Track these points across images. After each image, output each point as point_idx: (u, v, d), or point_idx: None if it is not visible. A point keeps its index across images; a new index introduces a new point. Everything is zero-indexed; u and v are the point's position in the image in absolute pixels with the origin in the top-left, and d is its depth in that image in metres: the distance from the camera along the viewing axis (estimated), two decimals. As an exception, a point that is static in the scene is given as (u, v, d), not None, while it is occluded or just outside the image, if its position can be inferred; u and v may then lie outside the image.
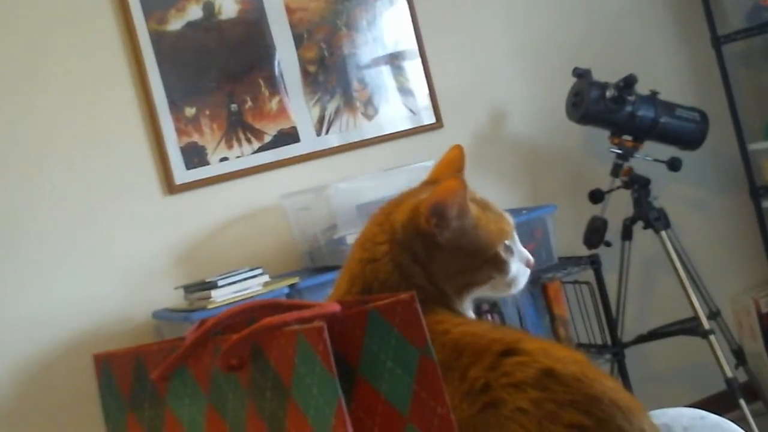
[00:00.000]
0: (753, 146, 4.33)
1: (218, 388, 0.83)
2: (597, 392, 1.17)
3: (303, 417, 0.76)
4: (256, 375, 0.79)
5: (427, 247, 1.37)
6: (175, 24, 3.53)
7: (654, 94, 3.91)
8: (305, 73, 3.74)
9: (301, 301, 0.82)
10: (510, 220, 1.48)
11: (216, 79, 3.59)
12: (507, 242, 1.44)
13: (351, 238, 3.32)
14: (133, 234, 3.44)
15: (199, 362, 0.84)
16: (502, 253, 1.42)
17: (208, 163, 3.55)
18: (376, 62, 3.88)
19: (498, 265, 1.42)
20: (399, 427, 0.78)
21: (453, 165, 1.61)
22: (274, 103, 3.67)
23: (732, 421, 1.72)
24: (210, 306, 3.09)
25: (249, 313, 0.83)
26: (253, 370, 0.80)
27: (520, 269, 1.45)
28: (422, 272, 1.38)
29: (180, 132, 3.50)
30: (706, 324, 3.77)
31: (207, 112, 3.55)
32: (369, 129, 3.82)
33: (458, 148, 1.63)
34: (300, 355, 0.75)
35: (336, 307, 0.79)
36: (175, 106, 3.50)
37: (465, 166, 1.60)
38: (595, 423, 1.13)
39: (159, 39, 3.50)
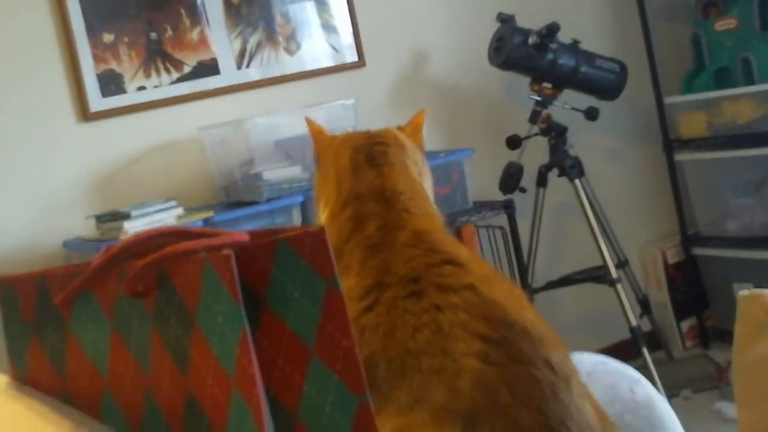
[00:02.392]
0: (669, 100, 4.40)
1: (123, 314, 0.82)
2: (511, 317, 1.27)
3: (207, 345, 0.75)
4: (161, 302, 0.79)
5: None
6: (95, -53, 3.44)
7: (575, 43, 3.94)
8: (228, 5, 3.68)
9: (210, 229, 0.81)
10: None
11: (136, 6, 3.52)
12: None
13: (268, 174, 3.31)
14: (46, 161, 3.37)
15: (104, 287, 0.83)
16: None
17: (125, 92, 3.49)
18: (301, -3, 3.84)
19: None
20: (303, 357, 0.78)
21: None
22: (194, 34, 3.61)
23: (634, 368, 1.76)
24: (122, 236, 3.05)
25: (157, 239, 0.82)
26: (159, 296, 0.79)
27: None
28: None
29: (97, 58, 3.43)
30: (614, 273, 3.84)
31: (126, 39, 3.49)
32: (290, 64, 3.78)
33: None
34: (206, 282, 0.75)
35: (245, 237, 0.79)
36: (92, 31, 3.42)
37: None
38: (499, 338, 1.22)
39: (78, -39, 3.41)
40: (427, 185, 1.73)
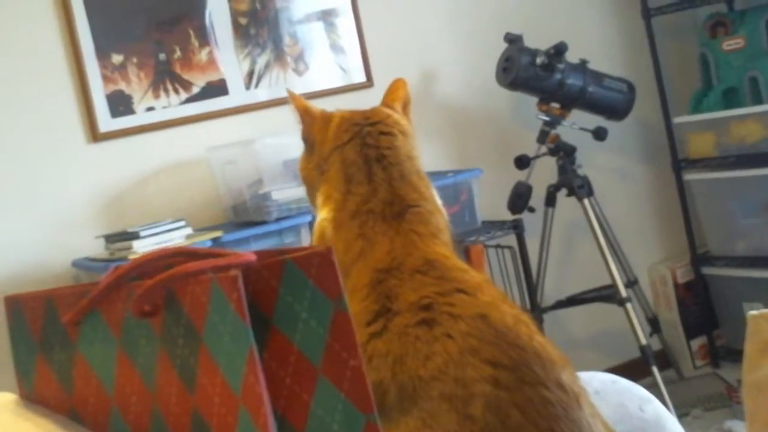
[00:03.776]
0: (677, 119, 4.40)
1: (130, 334, 0.82)
2: (522, 342, 1.27)
3: (214, 365, 0.76)
4: (168, 322, 0.79)
5: None
6: (104, -32, 3.47)
7: (583, 63, 3.94)
8: (236, 26, 3.70)
9: (217, 249, 0.82)
10: None
11: (145, 27, 3.53)
12: None
13: (276, 194, 3.31)
14: (55, 181, 3.38)
15: (112, 307, 0.83)
16: None
17: (134, 112, 3.50)
18: (309, 18, 3.86)
19: None
20: (311, 377, 0.78)
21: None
22: (203, 55, 3.63)
23: (644, 387, 1.76)
24: (131, 256, 3.06)
25: (165, 259, 0.82)
26: (166, 316, 0.79)
27: None
28: None
29: (106, 79, 3.45)
30: (623, 292, 3.83)
31: (135, 60, 3.50)
32: (299, 85, 3.79)
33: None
34: (213, 303, 0.75)
35: (252, 257, 0.79)
36: (101, 52, 3.44)
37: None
38: (511, 363, 1.22)
39: (88, -17, 3.43)
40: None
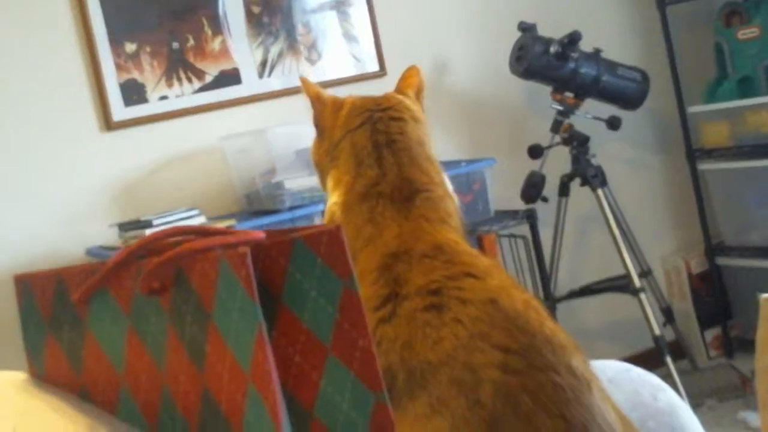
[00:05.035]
0: (692, 109, 4.38)
1: (139, 312, 0.82)
2: (532, 327, 1.27)
3: (223, 341, 0.76)
4: (177, 299, 0.79)
5: None
6: (118, -43, 3.47)
7: (597, 52, 3.93)
8: (249, 14, 3.70)
9: (226, 228, 0.81)
10: None
11: (158, 16, 3.53)
12: None
13: (289, 183, 3.31)
14: (69, 169, 3.39)
15: (121, 285, 0.83)
16: None
17: (147, 101, 3.51)
18: (322, 7, 3.86)
19: None
20: (320, 356, 0.78)
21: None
22: (216, 43, 3.63)
23: (658, 377, 1.75)
24: (144, 244, 3.06)
25: (174, 237, 0.82)
26: (175, 294, 0.79)
27: None
28: None
29: (119, 68, 3.45)
30: (637, 282, 3.82)
31: (148, 49, 3.50)
32: (312, 74, 3.79)
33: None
34: (222, 280, 0.75)
35: (261, 235, 0.79)
36: (115, 41, 3.44)
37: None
38: (520, 348, 1.22)
39: (101, -28, 3.44)
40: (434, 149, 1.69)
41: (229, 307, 0.75)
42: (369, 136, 1.61)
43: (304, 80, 1.80)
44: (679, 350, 4.17)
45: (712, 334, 4.51)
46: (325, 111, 1.74)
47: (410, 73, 1.80)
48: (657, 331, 3.79)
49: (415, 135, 1.63)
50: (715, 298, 4.52)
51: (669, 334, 4.05)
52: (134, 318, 0.83)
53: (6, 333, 3.09)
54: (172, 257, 0.78)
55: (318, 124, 1.77)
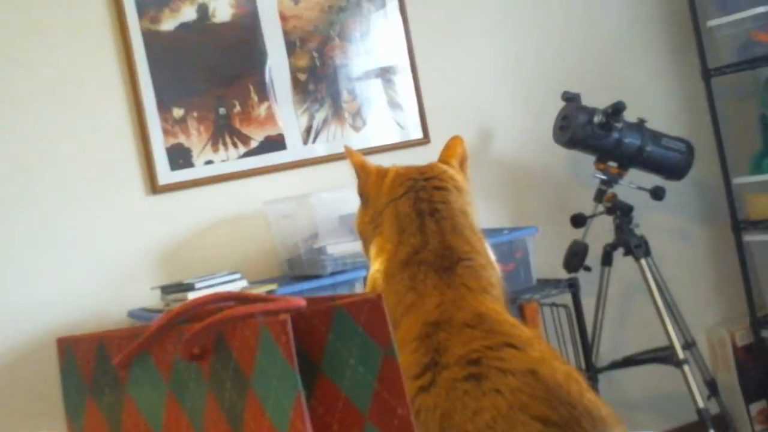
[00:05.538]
0: (737, 180, 4.35)
1: (179, 377, 0.83)
2: (572, 398, 1.27)
3: (262, 409, 0.76)
4: (217, 365, 0.79)
5: None
6: (168, 24, 3.53)
7: (641, 122, 3.92)
8: (295, 81, 3.74)
9: (267, 294, 0.82)
10: None
11: (206, 82, 3.59)
12: None
13: (332, 248, 3.32)
14: (114, 232, 3.43)
15: (162, 350, 0.83)
16: None
17: (193, 165, 3.54)
18: (367, 74, 3.89)
19: None
20: (359, 424, 0.78)
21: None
22: (262, 109, 3.67)
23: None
24: (186, 307, 3.07)
25: (215, 303, 0.83)
26: (215, 360, 0.79)
27: None
28: None
29: (166, 132, 3.50)
30: (680, 353, 3.77)
31: (195, 114, 3.55)
32: (356, 140, 3.81)
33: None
34: (262, 347, 0.75)
35: (302, 302, 0.79)
36: (163, 106, 3.49)
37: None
38: (560, 420, 1.21)
39: (151, 38, 3.50)
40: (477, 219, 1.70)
41: (269, 374, 0.75)
42: (412, 205, 1.62)
43: (348, 150, 1.82)
44: (723, 424, 4.10)
45: (757, 407, 4.43)
46: (369, 180, 1.75)
47: (454, 143, 1.82)
48: (701, 404, 3.73)
49: (458, 204, 1.64)
50: (761, 371, 4.44)
51: (713, 407, 3.98)
52: (174, 382, 0.83)
53: (47, 394, 3.11)
54: (213, 323, 0.78)
55: (362, 193, 1.78)
